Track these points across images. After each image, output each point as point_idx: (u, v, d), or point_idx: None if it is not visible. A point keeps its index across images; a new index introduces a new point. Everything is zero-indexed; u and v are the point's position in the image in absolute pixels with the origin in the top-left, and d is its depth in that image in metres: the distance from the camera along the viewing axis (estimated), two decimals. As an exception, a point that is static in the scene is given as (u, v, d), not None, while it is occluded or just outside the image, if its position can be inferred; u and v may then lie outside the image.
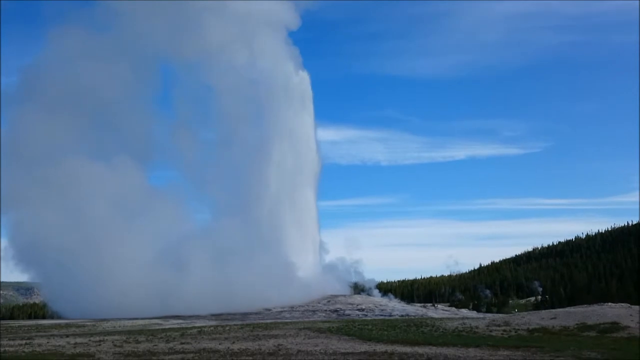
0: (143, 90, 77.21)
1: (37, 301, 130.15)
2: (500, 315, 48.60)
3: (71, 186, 67.23)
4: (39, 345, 24.39)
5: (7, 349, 23.05)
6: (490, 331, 27.82)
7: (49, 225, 64.81)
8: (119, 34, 75.34)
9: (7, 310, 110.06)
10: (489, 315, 52.73)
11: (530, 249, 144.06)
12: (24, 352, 22.04)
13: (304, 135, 73.80)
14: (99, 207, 65.43)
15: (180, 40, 74.81)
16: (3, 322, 60.74)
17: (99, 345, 23.86)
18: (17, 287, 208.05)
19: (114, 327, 37.92)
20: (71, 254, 62.79)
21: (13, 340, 27.14)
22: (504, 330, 27.80)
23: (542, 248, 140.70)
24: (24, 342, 25.77)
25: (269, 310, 52.94)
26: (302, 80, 74.46)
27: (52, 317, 71.23)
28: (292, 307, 53.87)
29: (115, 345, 23.52)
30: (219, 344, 23.41)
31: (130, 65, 74.76)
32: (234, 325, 35.72)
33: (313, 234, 70.63)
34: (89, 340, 26.09)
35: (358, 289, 74.45)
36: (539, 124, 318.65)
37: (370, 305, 55.37)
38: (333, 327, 30.57)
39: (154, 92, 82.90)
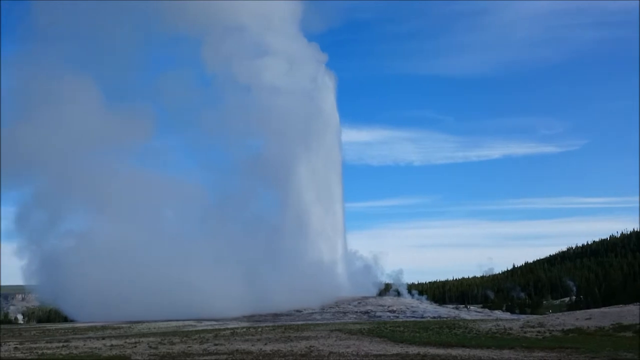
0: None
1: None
2: (535, 316, 48.02)
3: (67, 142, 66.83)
4: (76, 347, 24.84)
5: (45, 351, 23.55)
6: (525, 332, 27.48)
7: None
8: None
9: (44, 313, 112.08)
10: (522, 316, 52.08)
11: (564, 248, 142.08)
12: (61, 354, 22.48)
13: (328, 131, 72.92)
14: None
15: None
16: (40, 324, 62.04)
17: (135, 347, 24.23)
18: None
19: (149, 328, 38.47)
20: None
21: (50, 342, 27.71)
22: (539, 332, 27.45)
23: (577, 248, 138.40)
24: (61, 344, 26.26)
25: (300, 311, 53.01)
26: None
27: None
28: (322, 309, 53.83)
29: (150, 347, 23.87)
30: (252, 345, 23.59)
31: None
32: (266, 326, 35.95)
33: (340, 234, 70.23)
34: (125, 342, 26.51)
35: (389, 289, 74.06)
36: (576, 122, 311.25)
37: (401, 306, 55.10)
38: (364, 329, 30.54)
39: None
